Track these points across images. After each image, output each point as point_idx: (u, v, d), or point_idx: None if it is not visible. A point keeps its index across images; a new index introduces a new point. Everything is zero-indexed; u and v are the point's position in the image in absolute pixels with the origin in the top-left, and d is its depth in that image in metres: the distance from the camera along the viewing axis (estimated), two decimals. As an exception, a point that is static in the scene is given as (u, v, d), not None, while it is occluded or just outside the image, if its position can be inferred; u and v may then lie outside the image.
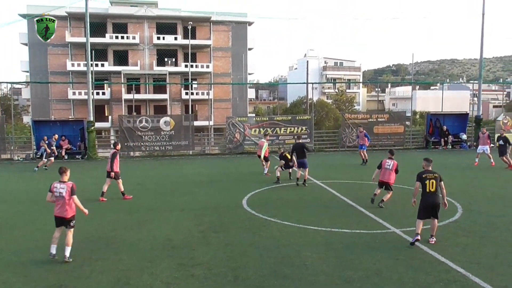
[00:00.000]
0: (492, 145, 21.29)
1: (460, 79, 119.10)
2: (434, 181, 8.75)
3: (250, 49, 55.68)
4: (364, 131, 21.89)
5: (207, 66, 52.96)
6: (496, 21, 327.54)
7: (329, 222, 10.39)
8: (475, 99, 32.20)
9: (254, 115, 50.13)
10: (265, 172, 17.98)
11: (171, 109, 51.74)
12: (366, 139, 21.36)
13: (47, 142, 21.01)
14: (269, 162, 18.30)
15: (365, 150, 21.19)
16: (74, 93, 49.87)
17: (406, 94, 71.15)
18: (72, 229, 7.96)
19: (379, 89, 62.06)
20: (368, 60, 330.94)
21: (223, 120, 32.17)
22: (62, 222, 7.92)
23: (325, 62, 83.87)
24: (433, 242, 8.68)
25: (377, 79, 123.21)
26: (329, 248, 8.59)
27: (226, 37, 54.41)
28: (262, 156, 18.09)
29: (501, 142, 19.12)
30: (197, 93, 52.21)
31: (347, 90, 72.63)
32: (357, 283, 6.86)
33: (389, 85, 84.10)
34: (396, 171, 12.25)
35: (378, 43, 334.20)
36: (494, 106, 68.80)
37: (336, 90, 70.36)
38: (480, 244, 8.82)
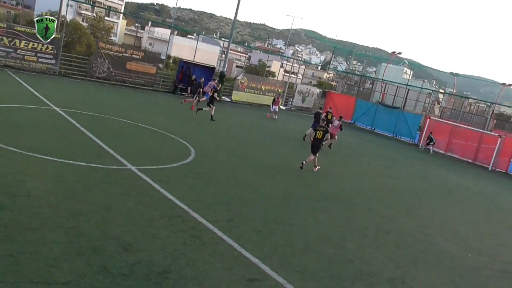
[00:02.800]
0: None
1: (214, 34, 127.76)
2: (321, 132, 13.79)
3: None
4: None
5: None
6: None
7: (64, 153, 9.80)
8: (223, 55, 35.25)
9: (-13, 18, 41.60)
10: None
11: None
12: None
13: None
14: None
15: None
16: None
17: (164, 37, 71.83)
18: None
19: (138, 25, 60.44)
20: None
21: None
22: None
23: (86, -19, 76.07)
24: (316, 170, 13.75)
25: (139, 14, 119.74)
26: (59, 180, 8.15)
27: None
28: None
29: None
30: None
31: (106, 18, 68.17)
32: (84, 216, 6.78)
33: (150, 23, 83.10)
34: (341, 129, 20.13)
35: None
36: (236, 66, 76.89)
37: (94, 15, 65.14)
38: (204, 185, 9.98)
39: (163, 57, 35.49)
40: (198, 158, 12.26)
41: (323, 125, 14.50)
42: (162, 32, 78.18)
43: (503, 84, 42.36)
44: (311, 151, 13.89)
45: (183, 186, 9.51)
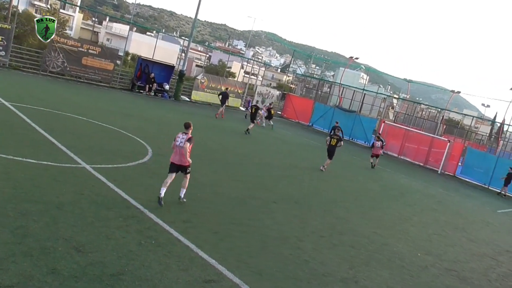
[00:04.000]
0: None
1: (175, 32, 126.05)
2: (335, 140, 16.93)
3: None
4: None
5: None
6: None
7: (13, 150, 9.36)
8: (183, 54, 34.85)
9: None
10: None
11: None
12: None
13: None
14: None
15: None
16: None
17: (122, 33, 70.17)
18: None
19: (96, 20, 58.63)
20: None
21: None
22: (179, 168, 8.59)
23: (41, -29, 72.97)
24: (321, 168, 16.61)
25: (96, 8, 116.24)
26: (7, 178, 7.77)
27: None
28: None
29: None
30: None
31: (61, 10, 65.72)
32: (33, 216, 6.50)
33: (108, 18, 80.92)
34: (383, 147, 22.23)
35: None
36: (196, 65, 76.25)
37: (49, 6, 62.62)
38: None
39: (121, 53, 34.63)
40: (155, 157, 12.05)
41: (337, 134, 18.27)
42: (121, 28, 76.31)
43: (453, 91, 44.35)
44: (327, 155, 16.88)
45: (139, 185, 9.31)
